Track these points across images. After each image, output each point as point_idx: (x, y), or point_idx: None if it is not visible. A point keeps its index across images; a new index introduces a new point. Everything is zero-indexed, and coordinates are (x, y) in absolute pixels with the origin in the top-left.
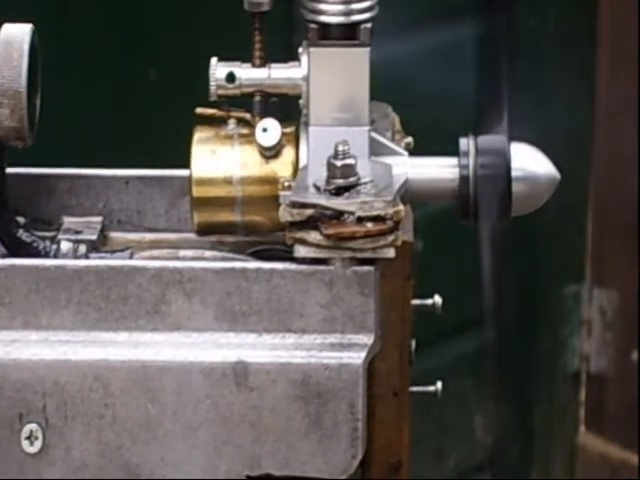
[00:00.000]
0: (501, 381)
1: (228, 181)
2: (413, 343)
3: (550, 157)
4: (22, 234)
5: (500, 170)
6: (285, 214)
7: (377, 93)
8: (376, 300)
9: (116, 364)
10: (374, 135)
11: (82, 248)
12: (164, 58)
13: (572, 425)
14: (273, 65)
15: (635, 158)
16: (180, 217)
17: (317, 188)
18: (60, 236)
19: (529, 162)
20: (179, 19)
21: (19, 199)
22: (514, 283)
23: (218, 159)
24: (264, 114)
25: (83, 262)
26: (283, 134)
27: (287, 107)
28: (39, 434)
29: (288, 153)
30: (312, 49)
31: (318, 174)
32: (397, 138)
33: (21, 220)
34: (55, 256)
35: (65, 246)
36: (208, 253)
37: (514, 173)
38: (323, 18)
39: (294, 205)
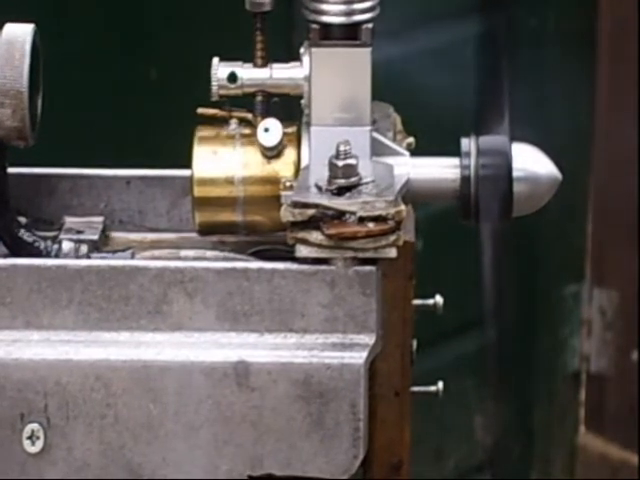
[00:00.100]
0: (502, 381)
1: (230, 181)
2: (414, 343)
3: (550, 157)
4: (24, 234)
5: (501, 170)
6: (287, 214)
7: (379, 93)
8: (378, 300)
9: (118, 364)
10: (376, 135)
11: (83, 248)
12: (164, 58)
13: (572, 425)
14: (275, 65)
15: (635, 158)
16: (181, 217)
17: (319, 188)
18: (62, 236)
19: (530, 162)
20: (179, 19)
21: (21, 199)
22: (514, 283)
23: (220, 159)
24: (266, 114)
25: (85, 262)
26: (285, 134)
27: (289, 107)
28: (40, 434)
29: (290, 153)
30: (314, 49)
31: (320, 174)
32: (398, 138)
33: (23, 220)
34: (57, 256)
35: (66, 246)
36: (209, 253)
37: (515, 173)
38: (325, 18)
39: (296, 205)
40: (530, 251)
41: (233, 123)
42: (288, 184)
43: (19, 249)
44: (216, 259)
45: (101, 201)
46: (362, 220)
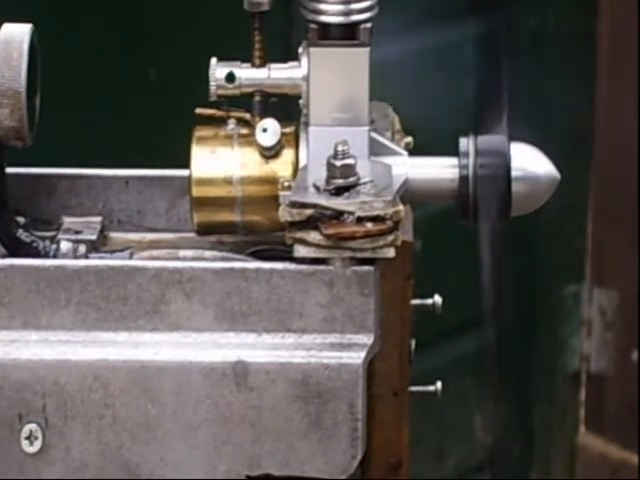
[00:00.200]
0: (501, 381)
1: (228, 181)
2: (413, 343)
3: (550, 157)
4: (22, 234)
5: (500, 170)
6: (285, 214)
7: (377, 93)
8: (376, 300)
9: (116, 364)
10: (374, 135)
11: (82, 248)
12: (164, 58)
13: (572, 425)
14: (273, 65)
15: (635, 158)
16: (180, 217)
17: (317, 188)
18: (60, 236)
19: (529, 162)
20: (179, 19)
21: (19, 199)
22: (514, 283)
23: (218, 159)
24: (264, 114)
25: (83, 262)
26: (283, 134)
27: (287, 107)
28: (39, 434)
29: (288, 153)
30: (312, 49)
31: (318, 174)
32: (397, 138)
33: (21, 220)
34: (55, 256)
35: (65, 246)
36: (208, 253)
37: (514, 173)
38: (323, 18)
39: (294, 205)
40: (530, 251)
41: (231, 123)
42: (286, 184)
43: (17, 249)
44: (214, 259)
45: (99, 201)
46: (360, 220)
